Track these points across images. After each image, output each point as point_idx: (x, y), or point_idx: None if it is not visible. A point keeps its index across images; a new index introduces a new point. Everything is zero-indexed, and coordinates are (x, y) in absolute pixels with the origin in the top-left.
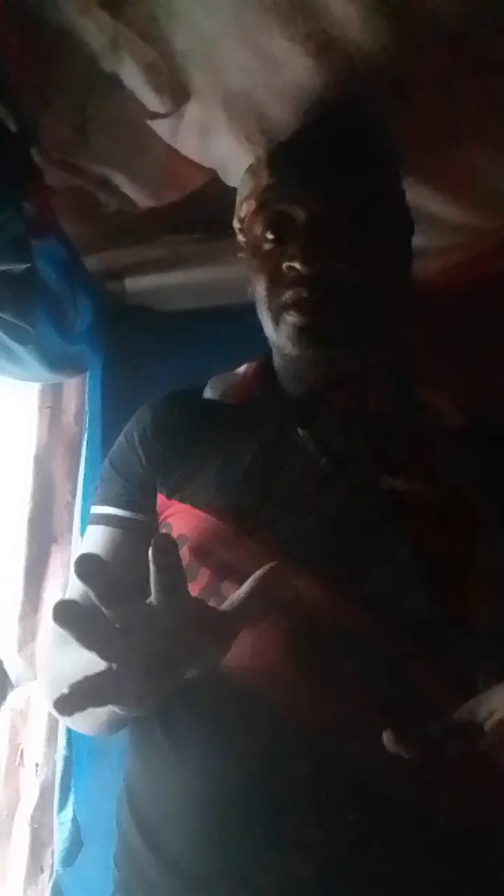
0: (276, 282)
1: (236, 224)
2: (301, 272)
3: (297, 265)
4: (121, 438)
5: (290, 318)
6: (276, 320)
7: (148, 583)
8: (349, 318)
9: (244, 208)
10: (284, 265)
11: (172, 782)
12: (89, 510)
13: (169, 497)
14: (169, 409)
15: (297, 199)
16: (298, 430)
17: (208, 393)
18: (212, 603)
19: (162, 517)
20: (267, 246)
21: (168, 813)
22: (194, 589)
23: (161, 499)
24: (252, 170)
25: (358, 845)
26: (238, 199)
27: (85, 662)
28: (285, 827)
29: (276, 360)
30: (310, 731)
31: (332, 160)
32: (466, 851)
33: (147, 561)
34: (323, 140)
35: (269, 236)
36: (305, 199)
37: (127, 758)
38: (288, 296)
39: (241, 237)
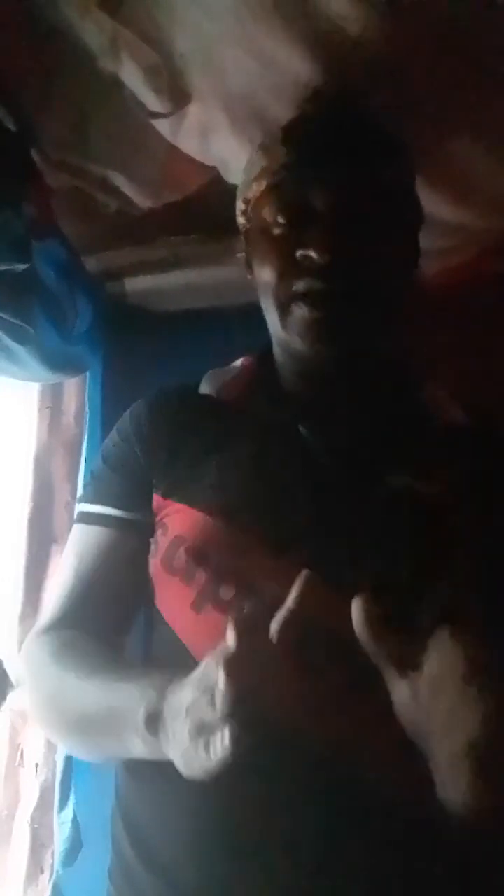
0: (288, 270)
1: (240, 206)
2: (317, 262)
3: (313, 254)
4: (113, 434)
5: (300, 310)
6: (284, 312)
7: (142, 586)
8: (359, 312)
9: (252, 188)
10: (299, 253)
11: (166, 797)
12: None
13: (165, 497)
14: (165, 406)
15: (316, 183)
16: (300, 427)
17: (204, 388)
18: (209, 607)
19: (158, 517)
20: (278, 231)
21: (161, 828)
22: (191, 591)
23: (157, 499)
24: (264, 147)
25: (359, 860)
26: (245, 178)
27: (98, 700)
28: (281, 842)
29: (278, 354)
30: (307, 742)
31: (351, 146)
32: (472, 856)
33: (142, 562)
34: (340, 123)
35: (281, 221)
36: (326, 183)
37: (119, 772)
38: (300, 286)
39: (242, 221)
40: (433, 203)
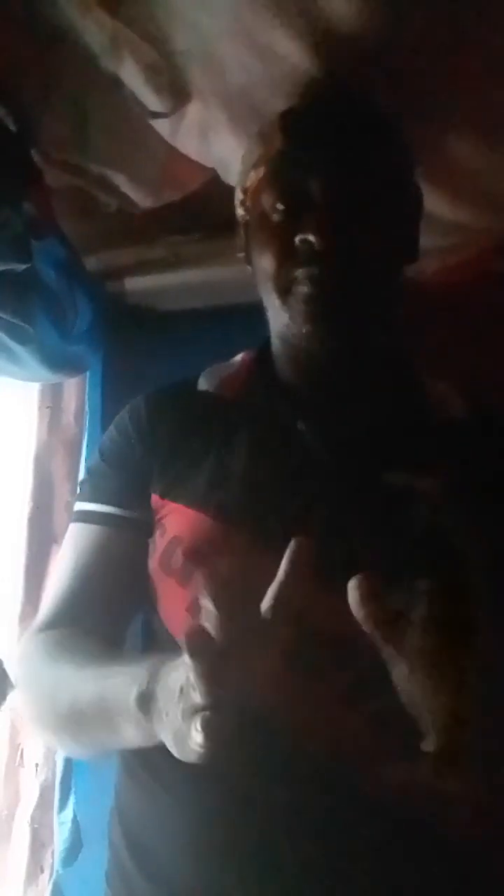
0: (287, 257)
1: (239, 196)
2: (315, 246)
3: (311, 238)
4: (111, 431)
5: (301, 289)
6: (284, 294)
7: (140, 585)
8: (357, 296)
9: (251, 177)
10: (297, 238)
11: (162, 803)
12: None
13: (163, 497)
14: (163, 404)
15: (312, 167)
16: (298, 423)
17: (202, 384)
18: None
19: (157, 517)
20: (276, 217)
21: (158, 833)
22: (187, 593)
23: (155, 498)
24: (262, 135)
25: (357, 865)
26: (243, 167)
27: (91, 689)
28: (278, 849)
29: (277, 345)
30: (304, 747)
31: (348, 132)
32: (470, 858)
33: (140, 561)
34: (337, 112)
35: (280, 207)
36: (322, 167)
37: (118, 776)
38: (299, 273)
39: (241, 212)
40: (434, 201)
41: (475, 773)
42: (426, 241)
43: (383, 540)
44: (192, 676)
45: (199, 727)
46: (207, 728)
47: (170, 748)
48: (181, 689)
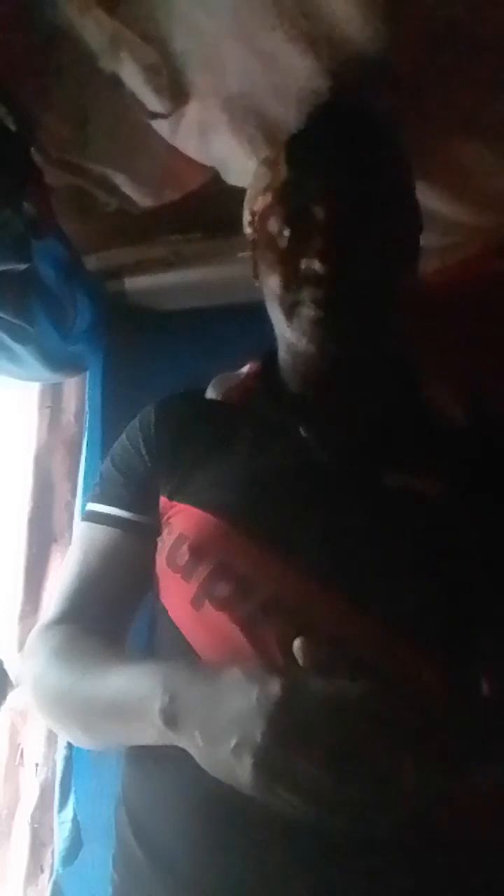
0: (293, 279)
1: (247, 216)
2: (319, 272)
3: (316, 265)
4: (122, 438)
5: (306, 311)
6: (290, 315)
7: (144, 585)
8: (362, 313)
9: (259, 202)
10: (303, 264)
11: (166, 785)
12: None
13: (170, 499)
14: (171, 411)
15: (316, 197)
16: (301, 428)
17: (210, 393)
18: (207, 604)
19: (164, 518)
20: (283, 243)
21: (162, 815)
22: (191, 587)
23: (163, 501)
24: (269, 162)
25: (356, 850)
26: (251, 191)
27: (110, 690)
28: (281, 835)
29: (283, 356)
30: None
31: (351, 157)
32: (471, 865)
33: (145, 562)
34: (340, 136)
35: (286, 233)
36: (325, 196)
37: (124, 763)
38: (304, 294)
39: (249, 231)
40: (433, 200)
41: (474, 774)
42: (426, 240)
43: (383, 541)
44: (262, 725)
45: (252, 766)
46: (265, 768)
47: (197, 760)
48: (233, 720)
